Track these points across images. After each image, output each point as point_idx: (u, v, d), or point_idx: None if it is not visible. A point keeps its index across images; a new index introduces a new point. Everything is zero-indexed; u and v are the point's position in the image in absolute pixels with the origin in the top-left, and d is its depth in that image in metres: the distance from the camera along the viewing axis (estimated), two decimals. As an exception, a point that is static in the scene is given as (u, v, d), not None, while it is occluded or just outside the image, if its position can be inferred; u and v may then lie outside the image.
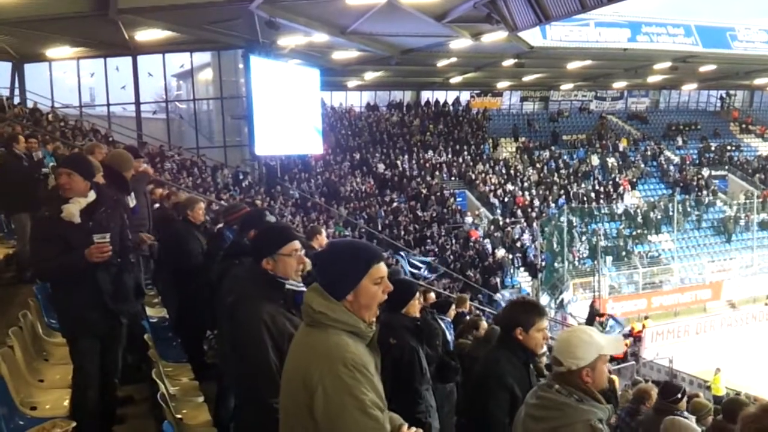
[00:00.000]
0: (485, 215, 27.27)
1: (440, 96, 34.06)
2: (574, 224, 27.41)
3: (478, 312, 14.00)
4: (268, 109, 21.74)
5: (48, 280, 4.42)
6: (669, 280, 26.85)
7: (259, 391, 2.99)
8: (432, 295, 9.44)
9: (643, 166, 32.95)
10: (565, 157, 32.43)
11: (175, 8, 17.31)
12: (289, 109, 22.65)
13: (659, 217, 29.12)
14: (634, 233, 28.32)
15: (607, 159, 32.64)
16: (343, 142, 29.35)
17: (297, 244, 3.27)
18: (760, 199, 31.17)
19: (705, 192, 31.76)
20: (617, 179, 31.25)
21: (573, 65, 28.12)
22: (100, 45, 21.92)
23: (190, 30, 20.18)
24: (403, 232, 24.06)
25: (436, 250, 23.58)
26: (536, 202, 28.31)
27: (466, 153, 30.60)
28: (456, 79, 30.51)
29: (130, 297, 4.46)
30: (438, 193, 27.08)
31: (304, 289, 2.93)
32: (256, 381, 3.04)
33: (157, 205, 7.69)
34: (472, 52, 23.38)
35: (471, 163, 30.09)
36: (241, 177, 23.38)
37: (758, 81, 35.51)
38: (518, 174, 30.30)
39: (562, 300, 24.40)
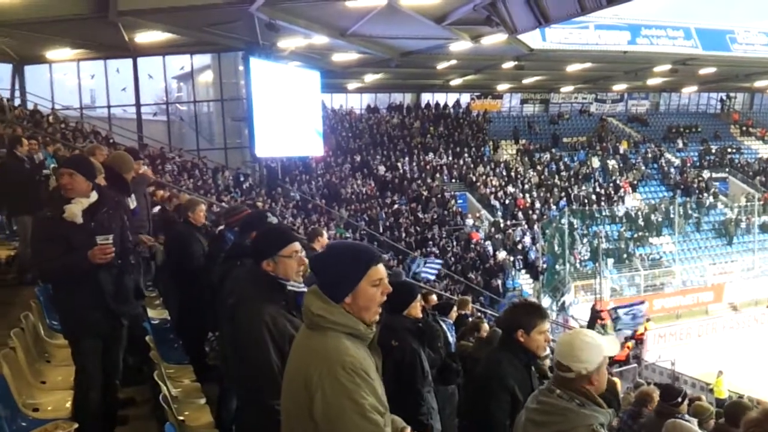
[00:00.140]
0: (486, 217, 27.28)
1: (440, 98, 34.10)
2: (575, 226, 27.42)
3: (479, 314, 13.98)
4: (269, 111, 21.76)
5: (50, 280, 4.42)
6: (670, 283, 26.85)
7: (260, 393, 2.99)
8: (434, 297, 9.42)
9: (643, 168, 32.96)
10: (566, 159, 32.45)
11: (176, 10, 17.33)
12: (289, 111, 22.67)
13: (660, 219, 29.12)
14: (635, 235, 28.32)
15: (608, 161, 32.65)
16: (343, 144, 29.37)
17: (297, 245, 3.28)
18: (761, 202, 31.18)
19: (706, 194, 31.77)
20: (618, 181, 31.26)
21: (573, 68, 28.14)
22: (100, 47, 21.96)
23: (191, 32, 20.20)
24: (404, 234, 24.06)
25: (437, 252, 23.57)
26: (537, 205, 28.31)
27: (466, 155, 30.61)
28: (456, 82, 30.53)
29: (131, 298, 4.47)
30: (439, 195, 27.08)
31: (305, 290, 2.93)
32: (257, 382, 3.04)
33: (158, 208, 7.70)
34: (472, 54, 23.39)
35: (472, 166, 30.10)
36: (241, 179, 23.40)
37: (758, 83, 35.52)
38: (519, 176, 30.31)
39: (564, 302, 24.40)
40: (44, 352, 5.20)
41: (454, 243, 24.78)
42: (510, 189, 29.00)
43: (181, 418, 4.28)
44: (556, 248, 26.19)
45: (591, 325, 20.68)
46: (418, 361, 4.51)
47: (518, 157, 32.12)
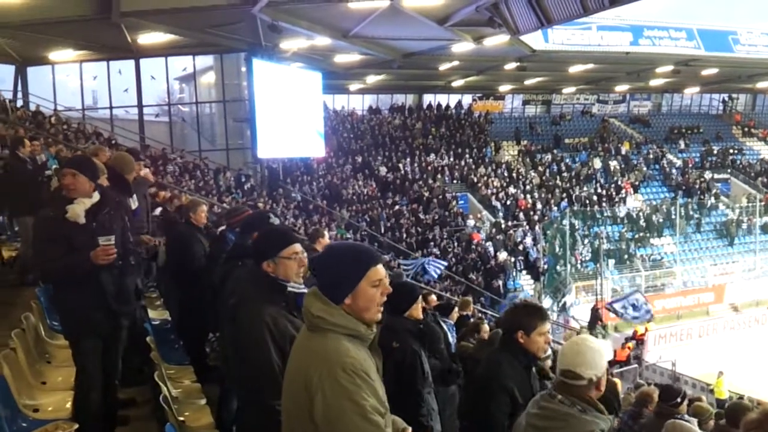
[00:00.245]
0: (487, 218, 27.27)
1: (442, 99, 34.11)
2: (577, 227, 27.40)
3: (480, 315, 14.00)
4: (271, 112, 21.78)
5: (52, 280, 4.43)
6: (671, 283, 26.81)
7: (261, 393, 2.99)
8: (433, 297, 9.44)
9: (645, 169, 32.92)
10: (568, 160, 32.43)
11: (178, 12, 17.35)
12: (291, 112, 22.69)
13: (661, 220, 29.08)
14: (637, 236, 28.29)
15: (610, 162, 32.62)
16: (345, 145, 29.38)
17: (297, 246, 3.28)
18: (763, 203, 31.12)
19: (707, 195, 31.73)
20: (619, 182, 31.23)
21: (575, 68, 28.13)
22: (102, 48, 22.01)
23: (193, 33, 20.23)
24: (405, 235, 24.07)
25: (438, 252, 23.58)
26: (538, 205, 28.30)
27: (468, 156, 30.61)
28: (458, 83, 30.53)
29: (132, 299, 4.48)
30: (440, 196, 27.08)
31: (305, 291, 2.93)
32: (258, 383, 3.04)
33: (160, 209, 7.72)
34: (474, 55, 23.40)
35: (473, 166, 30.09)
36: (243, 180, 23.42)
37: (761, 84, 35.48)
38: (520, 177, 30.30)
39: (565, 303, 24.38)
40: (45, 352, 5.21)
41: (455, 244, 24.78)
42: (511, 190, 28.99)
43: (182, 418, 4.29)
44: (557, 249, 26.17)
45: (592, 326, 20.71)
46: (418, 362, 4.51)
47: (520, 158, 32.11)
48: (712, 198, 31.65)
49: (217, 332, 4.43)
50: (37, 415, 4.17)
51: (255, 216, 5.01)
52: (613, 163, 32.63)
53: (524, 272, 25.13)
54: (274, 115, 21.93)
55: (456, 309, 8.44)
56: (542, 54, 24.46)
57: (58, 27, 18.04)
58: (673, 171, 33.28)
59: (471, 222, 26.52)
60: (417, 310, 4.79)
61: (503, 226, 26.53)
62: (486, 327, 7.76)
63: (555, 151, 32.86)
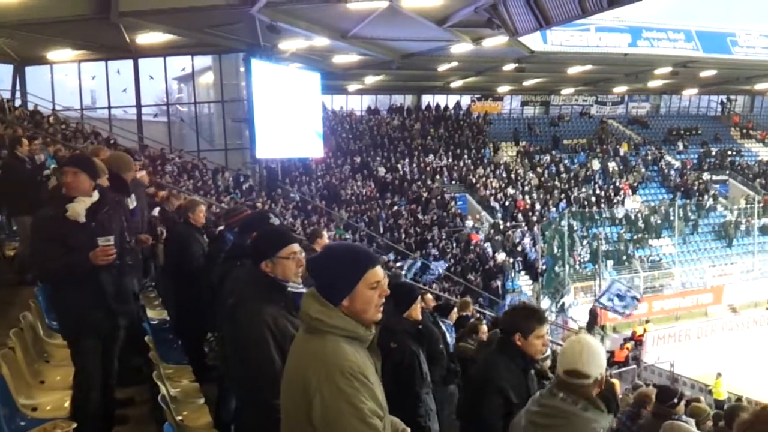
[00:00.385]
0: (486, 219, 27.29)
1: (441, 100, 34.13)
2: (575, 228, 27.39)
3: (478, 315, 13.99)
4: (269, 112, 21.78)
5: (51, 280, 4.42)
6: (670, 285, 26.81)
7: (260, 393, 2.99)
8: (429, 297, 9.42)
9: (643, 170, 32.95)
10: (566, 161, 32.45)
11: (177, 12, 17.33)
12: (289, 113, 22.69)
13: (660, 221, 29.10)
14: (635, 237, 28.29)
15: (608, 163, 32.63)
16: (343, 145, 29.38)
17: (296, 246, 3.28)
18: (761, 204, 31.13)
19: (706, 197, 31.76)
20: (618, 184, 31.24)
21: (573, 70, 28.16)
22: (101, 48, 21.98)
23: (192, 33, 20.21)
24: (403, 236, 24.07)
25: (437, 253, 23.58)
26: (537, 206, 28.31)
27: (466, 157, 30.62)
28: (457, 84, 30.55)
29: (130, 299, 4.48)
30: (439, 197, 27.09)
31: (304, 291, 2.93)
32: (257, 382, 3.04)
33: (158, 209, 7.71)
34: (473, 56, 23.41)
35: (472, 167, 30.11)
36: (241, 180, 23.41)
37: (759, 86, 35.54)
38: (519, 178, 30.32)
39: (563, 304, 24.38)
40: (43, 351, 5.20)
41: (454, 244, 24.78)
42: (510, 191, 29.00)
43: (180, 418, 4.28)
44: (556, 250, 26.17)
45: (590, 327, 20.72)
46: (416, 363, 4.52)
47: (518, 159, 32.13)
48: (711, 199, 31.68)
49: (216, 332, 4.42)
50: (36, 414, 4.16)
51: (253, 216, 5.02)
52: (612, 165, 32.64)
53: (523, 273, 25.13)
54: (273, 116, 21.93)
55: (455, 309, 8.45)
56: (541, 55, 24.48)
57: (56, 27, 18.02)
58: (672, 172, 33.30)
59: (469, 223, 26.52)
60: (416, 311, 4.80)
61: (502, 226, 26.54)
62: (484, 328, 7.76)
63: (553, 152, 32.87)
